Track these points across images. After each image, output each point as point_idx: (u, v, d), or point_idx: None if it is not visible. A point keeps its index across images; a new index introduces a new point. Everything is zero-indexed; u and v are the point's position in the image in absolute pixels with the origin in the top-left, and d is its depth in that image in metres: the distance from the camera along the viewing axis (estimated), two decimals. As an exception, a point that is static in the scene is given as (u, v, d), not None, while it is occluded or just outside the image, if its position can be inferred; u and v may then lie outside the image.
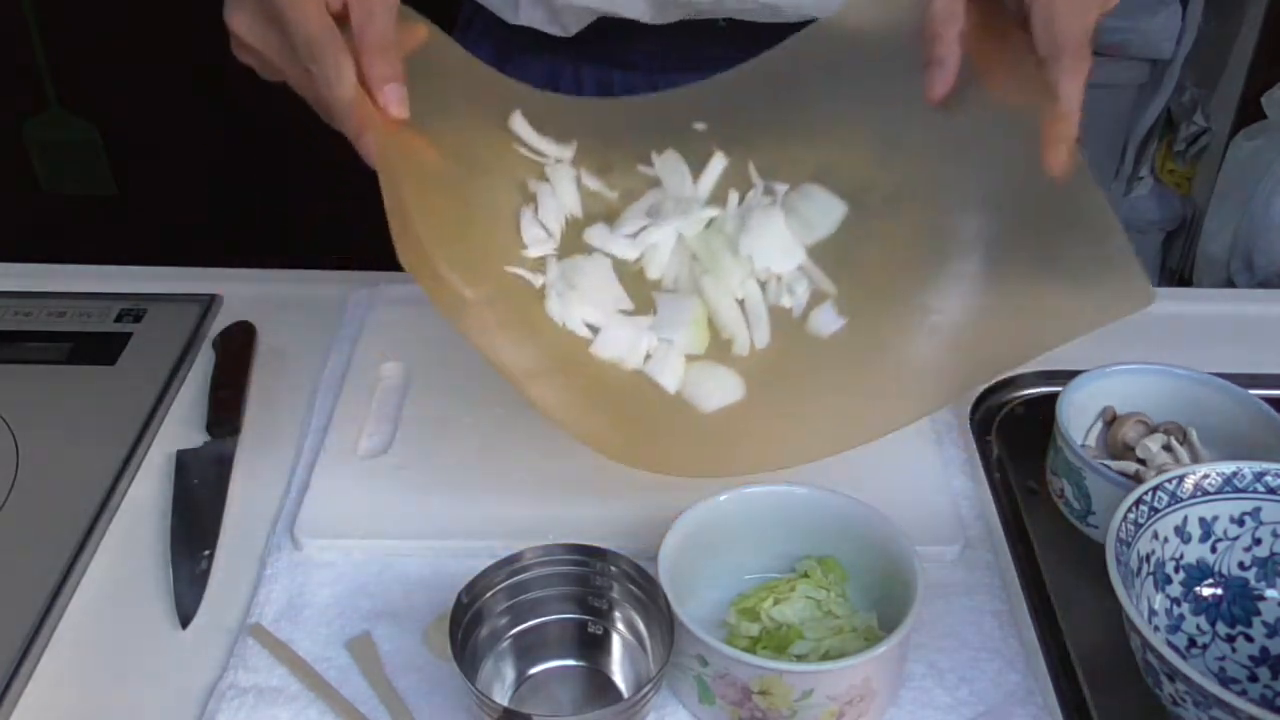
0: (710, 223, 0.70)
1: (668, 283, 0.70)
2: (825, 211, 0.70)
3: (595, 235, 0.69)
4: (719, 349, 0.68)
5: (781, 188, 0.70)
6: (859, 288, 0.68)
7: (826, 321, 0.67)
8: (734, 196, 0.71)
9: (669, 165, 0.72)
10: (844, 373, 0.66)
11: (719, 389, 0.66)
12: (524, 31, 0.84)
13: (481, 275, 0.63)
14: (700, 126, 0.72)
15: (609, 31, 0.82)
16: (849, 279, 0.68)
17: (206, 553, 0.64)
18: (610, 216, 0.71)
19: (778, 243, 0.69)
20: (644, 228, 0.69)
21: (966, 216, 0.66)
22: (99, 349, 0.79)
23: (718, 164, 0.72)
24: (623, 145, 0.72)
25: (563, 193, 0.70)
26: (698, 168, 0.72)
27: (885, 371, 0.65)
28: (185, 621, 0.61)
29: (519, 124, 0.70)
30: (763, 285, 0.69)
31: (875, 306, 0.67)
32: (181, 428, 0.74)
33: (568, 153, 0.71)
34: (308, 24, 0.54)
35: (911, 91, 0.62)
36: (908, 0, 0.63)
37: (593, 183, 0.71)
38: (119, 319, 0.82)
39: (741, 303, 0.69)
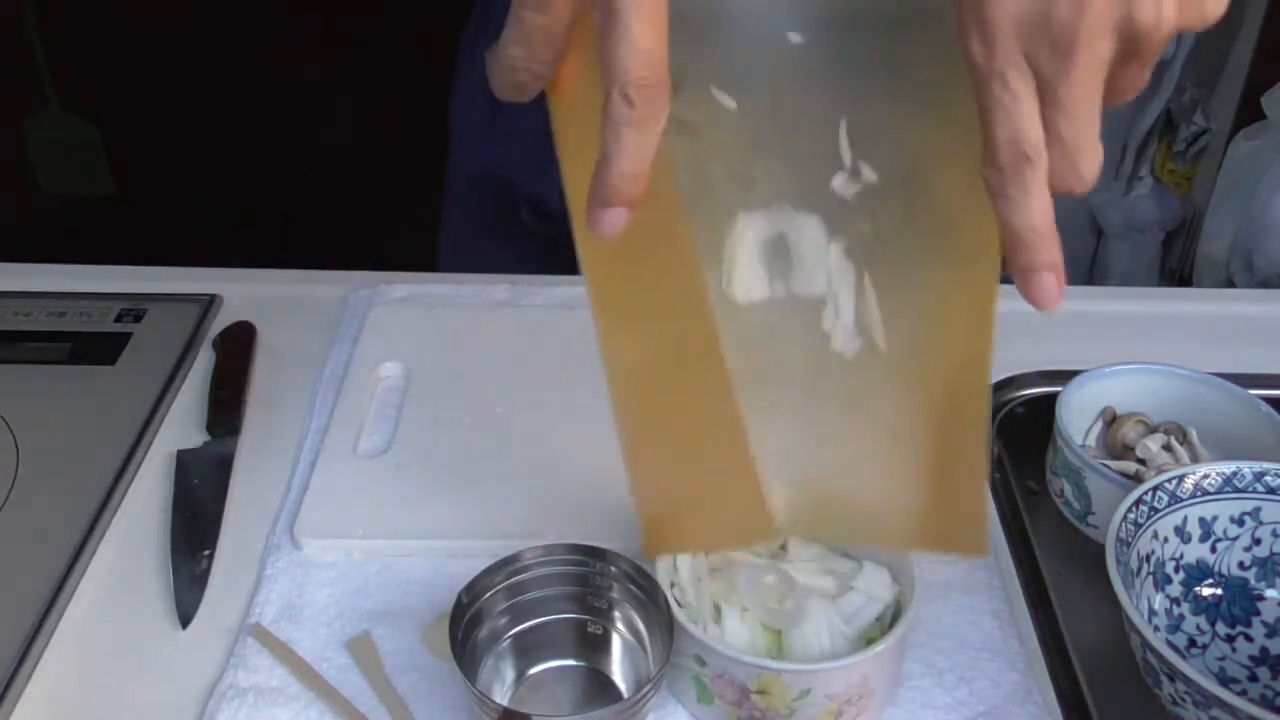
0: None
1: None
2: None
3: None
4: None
5: (870, 175, 0.50)
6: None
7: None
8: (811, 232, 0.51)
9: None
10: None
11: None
12: None
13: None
14: (796, 38, 0.49)
15: None
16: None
17: (206, 553, 0.64)
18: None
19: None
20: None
21: None
22: (99, 349, 0.79)
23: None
24: (694, 47, 0.47)
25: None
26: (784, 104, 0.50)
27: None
28: (185, 621, 0.61)
29: None
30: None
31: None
32: (181, 428, 0.74)
33: None
34: None
35: None
36: None
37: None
38: (119, 319, 0.82)
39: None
